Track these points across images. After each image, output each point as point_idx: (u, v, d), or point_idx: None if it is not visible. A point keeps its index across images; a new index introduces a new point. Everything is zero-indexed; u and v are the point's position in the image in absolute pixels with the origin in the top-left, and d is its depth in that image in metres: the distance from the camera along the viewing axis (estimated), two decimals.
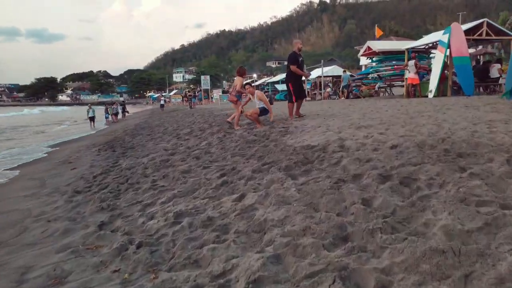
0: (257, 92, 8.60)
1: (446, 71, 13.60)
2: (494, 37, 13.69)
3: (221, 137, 7.54)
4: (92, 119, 21.51)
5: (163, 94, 69.23)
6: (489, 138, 3.83)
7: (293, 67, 8.62)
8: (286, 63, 9.28)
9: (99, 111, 25.86)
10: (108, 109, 25.52)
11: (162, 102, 37.67)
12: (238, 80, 9.40)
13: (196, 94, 36.08)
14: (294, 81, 8.76)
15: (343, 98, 21.42)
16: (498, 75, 13.82)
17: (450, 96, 12.77)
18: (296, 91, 8.83)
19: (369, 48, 19.00)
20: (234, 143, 6.40)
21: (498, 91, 14.42)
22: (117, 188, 4.89)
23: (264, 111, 8.32)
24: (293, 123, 7.59)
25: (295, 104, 8.89)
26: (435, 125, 5.04)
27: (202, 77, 31.99)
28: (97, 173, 6.42)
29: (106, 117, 25.15)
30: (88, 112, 21.83)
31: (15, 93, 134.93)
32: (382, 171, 3.13)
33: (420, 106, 8.77)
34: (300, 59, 8.70)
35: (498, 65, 13.93)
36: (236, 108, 9.26)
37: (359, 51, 21.41)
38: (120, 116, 28.49)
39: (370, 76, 22.69)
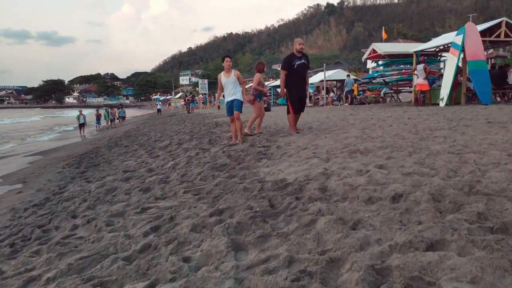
0: (235, 70, 7.12)
1: (459, 77, 12.24)
2: None
3: (192, 156, 6.33)
4: (82, 126, 20.30)
5: (161, 98, 68.65)
6: None
7: (282, 73, 7.33)
8: None
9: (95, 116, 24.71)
10: (101, 115, 24.38)
11: (158, 107, 36.37)
12: (256, 77, 8.01)
13: (195, 98, 34.86)
14: (289, 88, 7.20)
15: (346, 104, 20.10)
16: None
17: (465, 105, 11.40)
18: (293, 100, 7.25)
19: (374, 51, 17.63)
20: (199, 167, 5.17)
21: None
22: (28, 235, 3.69)
23: (237, 105, 6.98)
24: (277, 141, 6.33)
25: (293, 115, 7.38)
26: (454, 155, 3.74)
27: (200, 81, 30.76)
28: (33, 203, 5.27)
29: (96, 124, 24.01)
30: (78, 118, 20.54)
31: (22, 95, 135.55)
32: (375, 257, 1.87)
33: (431, 120, 7.45)
34: (298, 62, 7.01)
35: None
36: (254, 109, 8.07)
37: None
38: (117, 121, 27.56)
39: (375, 80, 21.32)
